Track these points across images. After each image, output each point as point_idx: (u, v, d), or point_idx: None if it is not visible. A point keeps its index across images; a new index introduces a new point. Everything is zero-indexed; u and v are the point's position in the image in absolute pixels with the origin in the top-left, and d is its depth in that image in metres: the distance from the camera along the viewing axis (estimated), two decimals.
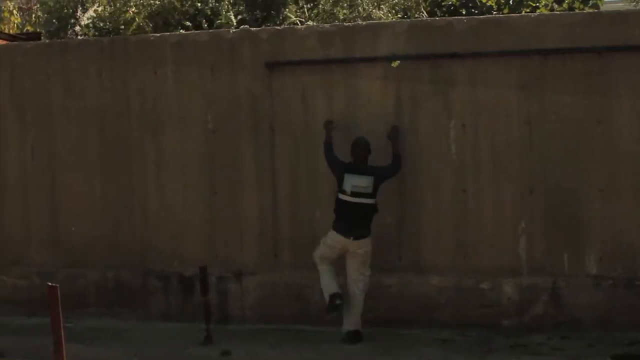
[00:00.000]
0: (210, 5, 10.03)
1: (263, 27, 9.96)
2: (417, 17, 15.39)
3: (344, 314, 7.88)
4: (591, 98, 7.70)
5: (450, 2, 20.82)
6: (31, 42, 10.19)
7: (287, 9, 10.92)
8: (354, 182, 7.68)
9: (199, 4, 10.35)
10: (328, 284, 7.84)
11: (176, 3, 10.27)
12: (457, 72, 7.97)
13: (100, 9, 11.12)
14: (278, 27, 8.80)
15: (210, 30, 9.12)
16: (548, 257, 7.89)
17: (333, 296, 7.76)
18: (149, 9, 10.42)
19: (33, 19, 16.73)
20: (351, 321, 7.87)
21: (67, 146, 8.94)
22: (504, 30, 7.88)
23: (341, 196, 7.75)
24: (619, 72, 7.66)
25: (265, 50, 8.37)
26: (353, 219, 7.69)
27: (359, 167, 7.78)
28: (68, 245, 8.99)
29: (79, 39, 10.27)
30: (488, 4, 20.75)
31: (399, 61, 8.04)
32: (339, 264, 7.90)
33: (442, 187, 8.05)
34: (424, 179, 8.07)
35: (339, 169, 7.81)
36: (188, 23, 10.24)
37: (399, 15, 13.35)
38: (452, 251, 8.07)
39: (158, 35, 9.16)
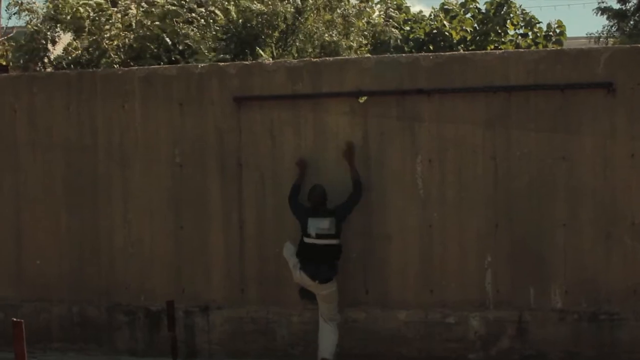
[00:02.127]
0: (191, 43, 10.06)
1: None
2: (386, 40, 15.58)
3: (319, 342, 7.97)
4: (555, 134, 7.82)
5: (418, 36, 21.15)
6: None
7: (261, 50, 11.00)
8: (318, 225, 7.80)
9: (177, 41, 10.36)
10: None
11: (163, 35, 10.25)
12: (424, 108, 8.05)
13: (75, 43, 11.11)
14: (246, 62, 8.83)
15: (179, 65, 9.16)
16: (514, 291, 7.95)
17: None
18: (124, 40, 10.42)
19: (0, 51, 16.67)
20: (323, 351, 7.95)
21: (33, 180, 8.88)
22: (469, 67, 7.99)
23: (306, 239, 7.83)
24: (581, 109, 7.78)
25: (234, 85, 8.41)
26: (321, 261, 7.78)
27: (319, 210, 7.89)
28: (33, 279, 8.91)
29: (47, 72, 10.24)
30: (456, 38, 21.11)
31: (366, 97, 8.12)
32: None
33: (408, 222, 8.10)
34: (390, 213, 8.12)
35: (302, 215, 7.91)
36: (163, 58, 10.25)
37: (367, 42, 13.46)
38: (419, 285, 8.11)
39: (126, 69, 9.17)
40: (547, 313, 7.89)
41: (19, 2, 11.24)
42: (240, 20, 11.15)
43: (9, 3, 11.27)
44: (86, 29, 10.80)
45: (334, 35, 12.16)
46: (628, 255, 7.76)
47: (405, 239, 8.11)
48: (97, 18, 10.61)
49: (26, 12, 11.18)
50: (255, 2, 11.27)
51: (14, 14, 11.33)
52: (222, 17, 10.75)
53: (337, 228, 7.83)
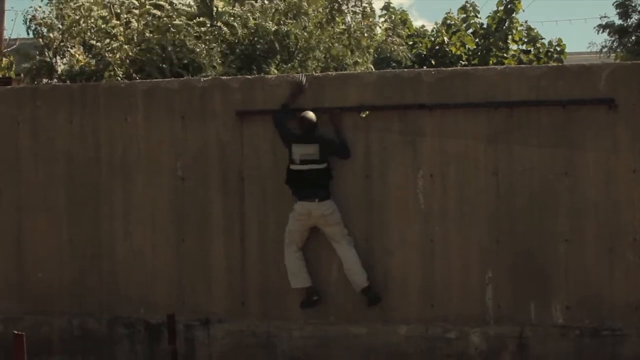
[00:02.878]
0: (196, 58, 10.10)
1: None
2: (393, 55, 15.65)
3: (349, 278, 8.07)
4: (557, 150, 7.83)
5: (420, 52, 21.21)
6: (2, 87, 10.18)
7: (268, 67, 11.06)
8: (302, 151, 7.97)
9: (182, 56, 10.39)
10: (297, 273, 8.08)
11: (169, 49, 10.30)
12: (426, 123, 8.07)
13: (80, 57, 11.17)
14: (249, 76, 8.86)
15: (181, 79, 9.17)
16: (515, 307, 7.94)
17: (309, 290, 8.09)
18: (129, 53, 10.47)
19: (4, 63, 16.73)
20: (356, 280, 8.03)
21: (35, 191, 8.90)
22: (471, 82, 8.01)
23: (292, 166, 8.01)
24: (583, 124, 7.80)
25: (236, 99, 8.43)
26: (310, 185, 7.93)
27: (305, 137, 8.02)
28: (34, 292, 8.90)
29: (50, 85, 10.28)
30: (457, 53, 21.17)
31: (368, 111, 8.14)
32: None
33: (409, 236, 8.10)
34: (391, 228, 8.12)
35: (287, 139, 8.09)
36: (166, 72, 10.28)
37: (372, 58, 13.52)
38: (420, 300, 8.10)
39: (129, 82, 9.21)
40: (548, 329, 7.88)
41: (33, 15, 11.32)
42: (248, 39, 11.20)
43: (24, 17, 11.36)
44: (89, 42, 10.86)
45: (339, 47, 12.20)
46: (630, 271, 7.75)
47: (406, 254, 8.11)
48: (100, 31, 10.66)
49: (40, 26, 11.25)
50: (268, 20, 11.33)
51: (28, 27, 11.40)
52: (230, 33, 10.79)
53: (321, 154, 7.96)
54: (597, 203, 7.78)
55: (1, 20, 21.68)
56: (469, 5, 22.38)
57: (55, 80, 11.34)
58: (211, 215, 8.49)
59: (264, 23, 11.17)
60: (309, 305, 8.10)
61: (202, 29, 10.61)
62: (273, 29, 11.30)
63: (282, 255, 8.22)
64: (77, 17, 10.60)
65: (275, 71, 10.79)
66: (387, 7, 21.94)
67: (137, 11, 10.69)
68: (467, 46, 21.34)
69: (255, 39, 11.26)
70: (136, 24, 10.70)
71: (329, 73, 8.83)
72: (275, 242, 8.32)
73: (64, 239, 8.84)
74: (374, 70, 13.08)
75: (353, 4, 13.37)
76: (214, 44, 10.32)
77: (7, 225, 8.97)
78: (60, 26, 10.96)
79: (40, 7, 11.18)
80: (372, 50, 13.69)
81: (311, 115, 8.03)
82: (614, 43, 25.63)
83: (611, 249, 7.76)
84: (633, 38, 25.09)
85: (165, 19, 10.49)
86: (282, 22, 11.57)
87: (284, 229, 8.21)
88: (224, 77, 8.92)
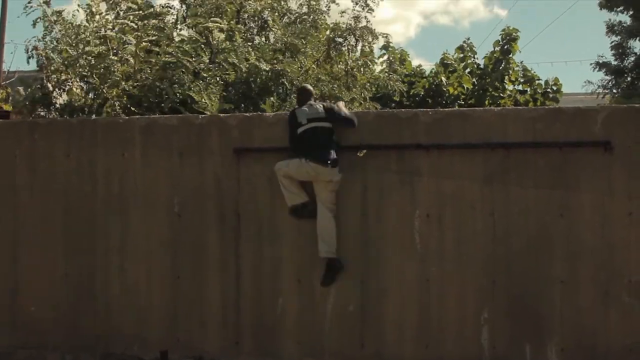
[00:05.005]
0: (194, 95, 10.13)
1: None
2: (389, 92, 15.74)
3: (319, 242, 8.06)
4: (553, 191, 7.85)
5: (417, 92, 21.32)
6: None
7: (264, 104, 11.11)
8: (307, 112, 8.13)
9: (180, 92, 10.41)
10: (292, 190, 8.12)
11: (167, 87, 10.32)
12: (423, 163, 8.10)
13: (78, 91, 11.21)
14: (247, 114, 8.89)
15: (179, 115, 9.20)
16: (510, 348, 7.90)
17: (305, 203, 8.13)
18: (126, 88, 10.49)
19: (1, 95, 16.78)
20: (327, 249, 8.06)
21: (31, 225, 8.89)
22: (468, 123, 8.06)
23: (299, 129, 8.05)
24: (580, 166, 7.84)
25: (234, 136, 8.47)
26: (320, 145, 7.95)
27: (308, 103, 8.28)
28: (27, 326, 8.85)
29: (48, 119, 10.31)
30: (454, 93, 21.28)
31: (365, 150, 8.17)
32: None
33: (405, 276, 8.09)
34: (387, 267, 8.11)
35: (291, 121, 8.19)
36: (164, 108, 10.29)
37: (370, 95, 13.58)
38: (415, 340, 8.06)
39: (127, 118, 9.23)
40: None
41: (35, 46, 11.37)
42: (244, 76, 11.26)
43: (26, 47, 11.39)
44: (87, 78, 10.90)
45: (335, 87, 12.26)
46: (626, 314, 7.74)
47: (402, 293, 8.09)
48: (97, 67, 10.69)
49: (42, 58, 11.30)
50: (262, 61, 11.40)
51: (29, 58, 11.45)
52: (231, 70, 10.84)
53: (326, 114, 8.11)
54: (593, 245, 7.79)
55: (1, 53, 21.81)
56: (466, 45, 22.55)
57: (54, 114, 11.37)
58: (207, 251, 8.48)
59: (258, 64, 11.24)
60: (301, 210, 8.15)
61: (201, 65, 10.66)
62: (267, 68, 11.38)
63: (277, 294, 8.20)
64: (75, 54, 10.65)
65: (271, 109, 10.84)
66: (386, 46, 22.06)
67: (134, 48, 10.74)
68: (465, 86, 21.46)
69: (252, 77, 11.32)
70: (134, 61, 10.74)
71: None
72: (270, 281, 8.30)
73: (59, 272, 8.81)
74: (372, 106, 13.14)
75: (352, 42, 13.46)
76: (212, 82, 10.36)
77: (2, 256, 8.95)
78: (59, 60, 11.00)
79: (40, 39, 11.20)
80: (369, 87, 13.74)
81: (309, 88, 8.58)
82: (610, 83, 25.82)
83: (607, 291, 7.76)
84: (629, 79, 25.29)
85: (165, 56, 10.54)
86: (277, 60, 11.64)
87: (279, 267, 8.21)
88: (222, 115, 8.96)
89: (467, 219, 8.01)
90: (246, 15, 13.29)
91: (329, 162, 7.89)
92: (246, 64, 11.04)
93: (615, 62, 25.61)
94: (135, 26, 10.88)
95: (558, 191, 7.85)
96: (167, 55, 10.63)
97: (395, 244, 8.11)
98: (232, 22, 11.87)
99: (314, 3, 14.11)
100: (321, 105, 8.22)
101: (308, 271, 8.21)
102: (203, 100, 9.71)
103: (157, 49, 10.87)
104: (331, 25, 13.31)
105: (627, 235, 7.75)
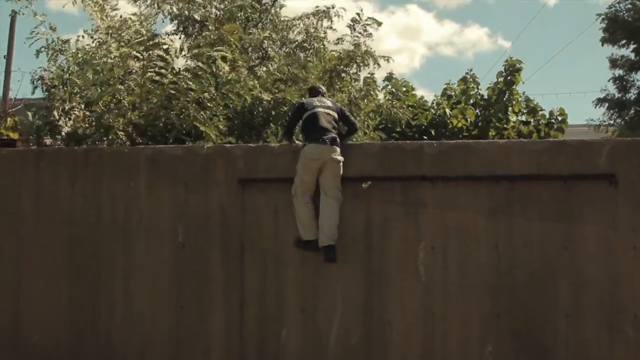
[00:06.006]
0: (199, 125, 10.17)
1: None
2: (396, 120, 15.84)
3: (319, 230, 8.10)
4: (557, 224, 7.86)
5: (420, 123, 21.34)
6: (5, 148, 10.24)
7: (267, 135, 11.18)
8: (315, 103, 8.41)
9: (184, 123, 10.45)
10: (309, 225, 8.12)
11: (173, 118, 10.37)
12: (427, 195, 8.12)
13: (81, 117, 11.24)
14: (252, 145, 8.93)
15: (185, 145, 9.24)
16: None
17: (310, 242, 8.14)
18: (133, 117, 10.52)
19: (8, 123, 16.81)
20: (327, 234, 8.04)
21: (36, 252, 8.89)
22: (472, 155, 8.08)
23: (306, 113, 8.29)
24: (584, 199, 7.85)
25: (239, 167, 8.50)
26: (325, 126, 8.13)
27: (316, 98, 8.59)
28: (30, 352, 8.81)
29: (54, 148, 10.34)
30: (458, 125, 21.30)
31: (369, 182, 8.19)
32: None
33: (409, 308, 8.08)
34: (392, 298, 8.10)
35: (298, 111, 8.47)
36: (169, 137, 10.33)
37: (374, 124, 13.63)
38: None
39: (132, 147, 9.26)
40: None
41: (41, 76, 11.43)
42: (247, 107, 11.32)
43: (32, 77, 11.46)
44: (92, 107, 10.93)
45: None
46: (631, 347, 7.70)
47: (406, 325, 8.07)
48: (103, 95, 10.73)
49: (47, 86, 11.36)
50: (262, 92, 11.47)
51: (36, 87, 11.51)
52: (237, 99, 10.89)
53: (334, 106, 8.46)
54: (598, 278, 7.78)
55: (7, 81, 21.94)
56: (469, 76, 22.59)
57: (59, 143, 11.40)
58: (211, 281, 8.47)
59: (259, 94, 11.31)
60: (304, 245, 8.18)
61: (206, 94, 10.69)
62: (268, 98, 11.44)
63: (282, 324, 8.18)
64: (81, 83, 10.71)
65: (275, 139, 10.90)
66: (389, 77, 22.15)
67: (139, 79, 10.79)
68: (468, 119, 21.48)
69: (254, 107, 11.38)
70: (139, 91, 10.79)
71: None
72: (274, 311, 8.28)
73: (63, 300, 8.80)
74: (376, 135, 13.18)
75: (354, 71, 13.51)
76: (216, 112, 10.39)
77: (6, 283, 8.94)
78: (65, 88, 11.06)
79: (46, 68, 11.25)
80: (372, 115, 13.80)
81: (318, 86, 9.13)
82: (613, 116, 25.92)
83: (611, 324, 7.73)
84: (632, 112, 25.37)
85: (169, 86, 10.58)
86: (277, 89, 11.70)
87: (283, 297, 8.19)
88: (227, 145, 8.99)
89: (471, 251, 8.01)
90: (248, 46, 13.38)
91: (327, 140, 8.04)
92: (250, 93, 11.09)
93: (619, 95, 25.73)
94: (140, 56, 10.93)
95: (562, 224, 7.85)
96: (171, 85, 10.67)
97: (399, 276, 8.10)
98: (236, 52, 11.93)
99: (313, 31, 14.24)
100: (331, 101, 8.55)
101: (312, 301, 8.20)
102: (211, 134, 9.75)
103: (159, 78, 10.91)
104: (335, 55, 13.37)
105: (632, 269, 7.74)
